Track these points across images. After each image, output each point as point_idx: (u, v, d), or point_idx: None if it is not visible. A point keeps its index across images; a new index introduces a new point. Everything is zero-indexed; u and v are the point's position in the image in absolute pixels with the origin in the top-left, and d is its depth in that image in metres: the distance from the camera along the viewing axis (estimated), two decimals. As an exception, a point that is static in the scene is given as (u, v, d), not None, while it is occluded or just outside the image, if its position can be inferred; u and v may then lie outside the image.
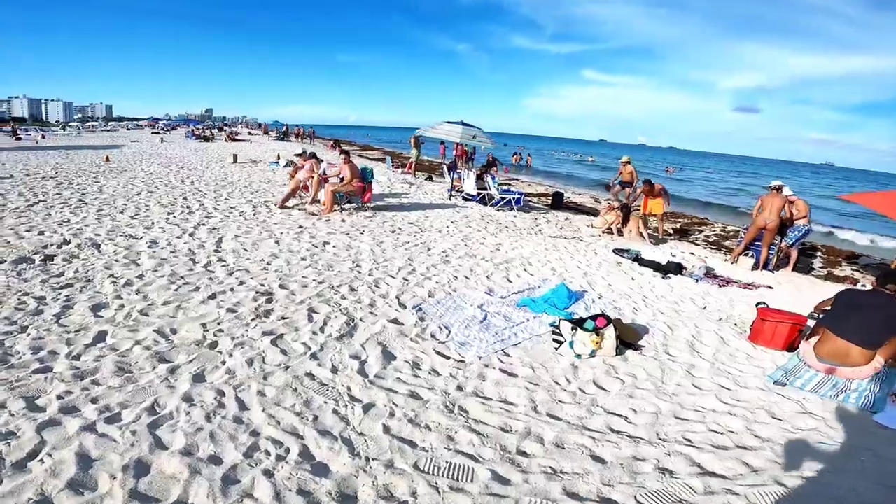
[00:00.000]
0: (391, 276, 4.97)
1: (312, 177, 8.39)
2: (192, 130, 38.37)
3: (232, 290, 4.22)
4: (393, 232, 7.07)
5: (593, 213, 12.74)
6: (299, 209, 8.05)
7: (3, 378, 2.61)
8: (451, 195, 10.85)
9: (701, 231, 12.06)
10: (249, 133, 46.37)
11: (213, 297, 4.02)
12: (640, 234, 8.65)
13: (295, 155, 8.84)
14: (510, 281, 5.31)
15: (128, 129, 55.94)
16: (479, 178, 10.65)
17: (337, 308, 4.02)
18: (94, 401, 2.49)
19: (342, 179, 8.19)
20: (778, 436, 2.78)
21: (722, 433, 2.78)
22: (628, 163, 12.18)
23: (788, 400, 3.23)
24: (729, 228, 12.52)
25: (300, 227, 6.86)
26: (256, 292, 4.20)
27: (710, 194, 26.72)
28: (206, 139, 32.89)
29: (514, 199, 10.16)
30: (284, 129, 43.22)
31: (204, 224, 6.60)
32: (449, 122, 10.29)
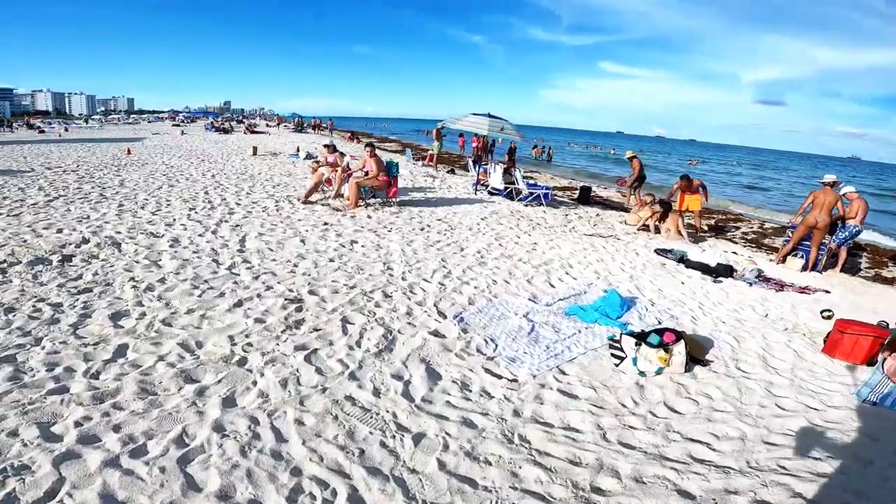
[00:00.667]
0: (426, 280, 4.64)
1: (336, 171, 8.09)
2: (212, 122, 38.47)
3: (259, 296, 3.93)
4: (422, 230, 6.73)
5: (621, 208, 12.25)
6: (322, 204, 7.76)
7: (16, 399, 2.35)
8: (476, 190, 10.46)
9: (737, 228, 11.48)
10: (267, 125, 46.41)
11: (239, 304, 3.74)
12: (679, 233, 8.17)
13: (323, 146, 8.48)
14: (553, 286, 4.94)
15: (149, 122, 56.59)
16: (507, 172, 10.24)
17: (372, 318, 3.71)
18: (116, 429, 2.22)
19: (366, 173, 7.88)
20: (881, 459, 2.41)
21: (819, 459, 2.43)
22: (634, 157, 11.71)
23: (883, 419, 2.85)
24: (767, 225, 11.92)
25: (325, 224, 6.57)
26: (285, 299, 3.91)
27: (739, 188, 25.84)
28: (226, 131, 32.92)
29: (542, 194, 9.73)
30: (296, 120, 43.15)
31: (227, 220, 6.35)
32: (475, 115, 9.87)
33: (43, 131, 31.58)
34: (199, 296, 3.84)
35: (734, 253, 7.78)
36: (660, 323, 4.18)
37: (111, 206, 6.77)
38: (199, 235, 5.55)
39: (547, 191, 10.33)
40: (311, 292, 4.11)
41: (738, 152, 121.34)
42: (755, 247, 9.04)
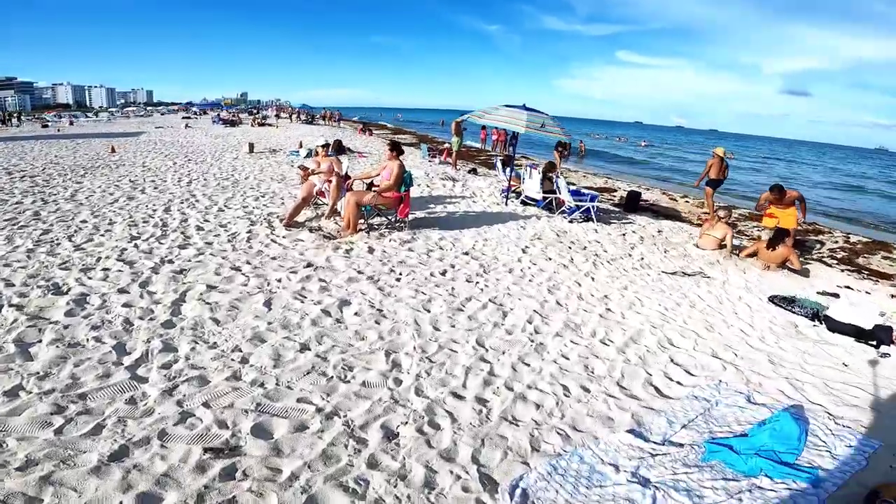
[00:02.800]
0: (455, 396, 2.77)
1: (331, 180, 6.24)
2: (219, 115, 37.07)
3: (161, 437, 2.15)
4: (443, 273, 4.82)
5: (675, 215, 10.19)
6: (312, 229, 5.93)
7: None
8: (506, 199, 8.52)
9: (821, 243, 9.28)
10: (278, 117, 44.84)
11: (119, 456, 1.97)
12: (787, 265, 6.15)
13: (318, 147, 6.58)
14: (659, 391, 3.04)
15: (162, 115, 55.68)
16: (546, 177, 8.27)
17: (360, 498, 1.89)
18: None
19: (370, 186, 6.03)
20: None
21: None
22: (722, 157, 9.54)
23: None
24: (853, 238, 9.69)
25: (309, 266, 4.72)
26: (205, 449, 2.12)
27: (804, 188, 23.30)
28: (233, 124, 31.51)
29: (592, 207, 7.76)
30: (298, 112, 41.32)
31: (171, 261, 4.57)
32: (508, 107, 7.89)
33: (46, 125, 30.55)
34: (57, 432, 2.07)
35: (847, 287, 5.78)
36: (867, 464, 2.30)
37: (32, 234, 5.07)
38: (120, 292, 3.78)
39: (594, 200, 8.34)
40: (256, 429, 2.31)
41: (761, 142, 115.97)
42: (854, 270, 6.94)
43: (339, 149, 13.80)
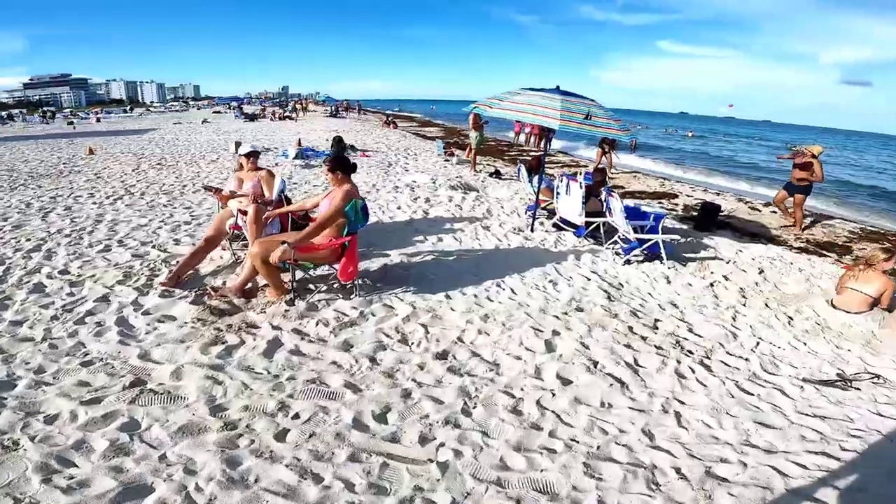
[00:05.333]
0: None
1: (247, 210, 3.96)
2: (240, 108, 36.05)
3: None
4: (383, 416, 2.44)
5: (765, 234, 7.36)
6: (211, 291, 3.68)
7: None
8: (532, 222, 5.99)
9: None
10: (305, 110, 43.46)
11: None
12: None
13: (240, 156, 4.22)
14: None
15: (198, 109, 55.69)
16: (593, 194, 5.70)
17: None
18: None
19: (303, 218, 3.70)
20: None
21: None
22: (816, 157, 6.97)
23: None
24: None
25: (133, 383, 2.52)
26: None
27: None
28: (253, 118, 30.21)
29: (659, 241, 5.13)
30: (302, 103, 39.41)
31: None
32: (533, 91, 5.34)
33: (72, 123, 30.19)
34: None
35: None
36: None
37: None
38: None
39: (659, 221, 5.70)
40: None
41: (824, 134, 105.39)
42: None
43: (339, 146, 11.63)
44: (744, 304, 4.38)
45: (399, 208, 6.56)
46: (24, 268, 4.08)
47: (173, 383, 2.64)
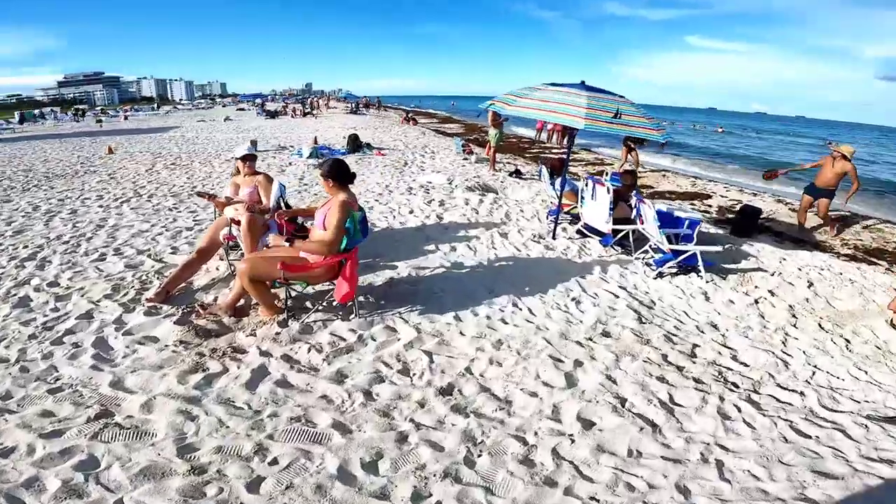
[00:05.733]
0: None
1: (240, 220, 3.66)
2: (263, 106, 36.34)
3: None
4: (372, 465, 2.10)
5: (807, 240, 6.71)
6: (200, 308, 3.39)
7: None
8: (554, 228, 5.54)
9: None
10: (327, 107, 43.57)
11: None
12: None
13: (236, 160, 3.90)
14: None
15: (223, 107, 56.61)
16: (622, 199, 5.21)
17: None
18: None
19: (301, 230, 3.37)
20: None
21: None
22: (848, 158, 6.35)
23: None
24: None
25: (99, 414, 2.26)
26: None
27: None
28: (274, 115, 30.38)
29: (694, 251, 4.61)
30: (317, 101, 39.30)
31: None
32: (555, 86, 4.87)
33: (100, 121, 30.91)
34: None
35: None
36: None
37: None
38: None
39: (693, 228, 5.18)
40: None
41: (852, 129, 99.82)
42: None
43: (354, 144, 11.34)
44: (794, 325, 3.88)
45: (411, 212, 6.20)
46: (15, 278, 3.88)
47: (142, 416, 2.36)
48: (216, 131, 19.18)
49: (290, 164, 10.03)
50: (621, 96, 4.74)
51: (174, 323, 3.15)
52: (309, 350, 2.96)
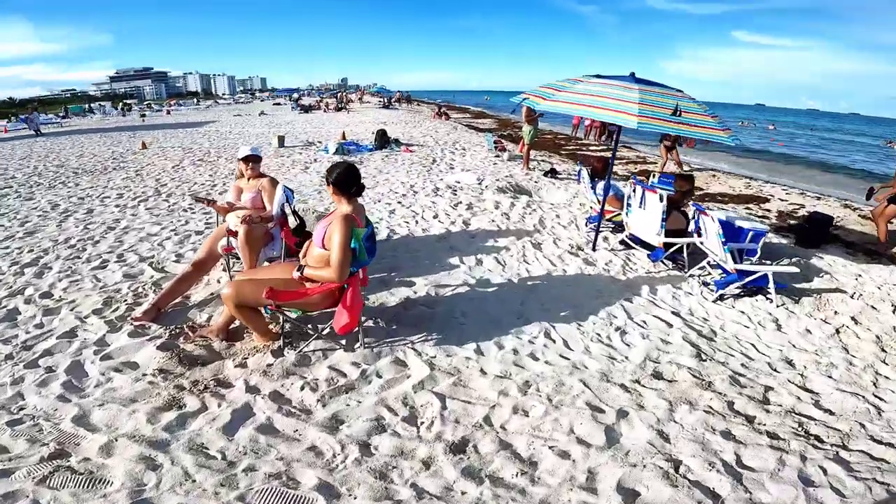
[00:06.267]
0: None
1: (237, 231, 3.26)
2: (297, 101, 36.71)
3: None
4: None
5: (886, 253, 5.79)
6: (188, 331, 3.03)
7: None
8: (595, 239, 4.92)
9: None
10: (361, 101, 43.63)
11: None
12: None
13: (238, 160, 3.50)
14: None
15: (261, 101, 57.78)
16: (676, 207, 4.54)
17: None
18: None
19: (302, 242, 2.92)
20: None
21: None
22: None
23: None
24: None
25: (53, 456, 1.90)
26: None
27: None
28: (308, 110, 30.52)
29: (772, 275, 3.89)
30: (346, 95, 39.28)
31: None
32: (600, 78, 4.24)
33: (144, 115, 31.97)
34: None
35: None
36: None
37: None
38: None
39: (758, 240, 4.46)
40: None
41: None
42: None
43: (382, 140, 10.94)
44: (884, 361, 3.17)
45: (436, 217, 5.71)
46: (10, 287, 3.66)
47: (100, 460, 2.02)
48: (249, 126, 19.29)
49: (315, 160, 9.74)
50: (679, 90, 4.07)
51: (157, 348, 2.78)
52: (303, 387, 2.52)
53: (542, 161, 10.93)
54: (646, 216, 4.48)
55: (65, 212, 5.81)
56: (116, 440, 2.12)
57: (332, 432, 2.24)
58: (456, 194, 6.87)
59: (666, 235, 4.31)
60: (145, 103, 59.45)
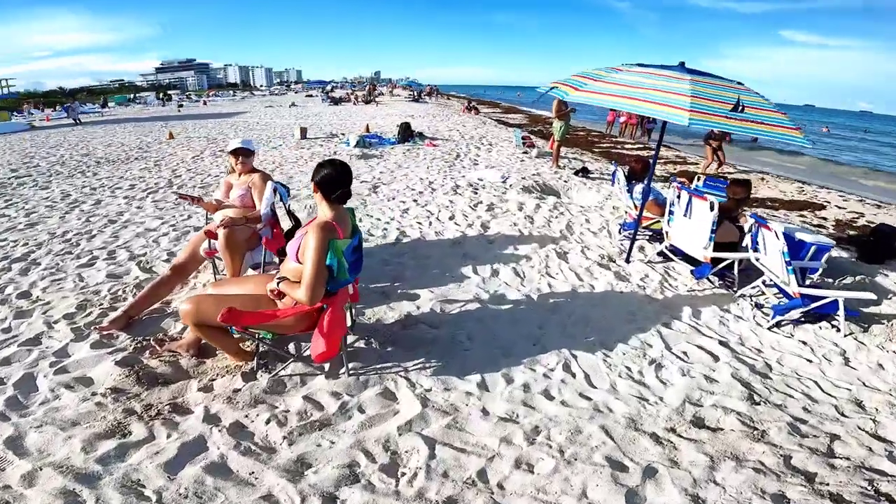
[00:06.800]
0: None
1: (216, 232, 2.91)
2: (328, 94, 36.84)
3: None
4: None
5: None
6: (156, 344, 2.71)
7: None
8: (630, 249, 4.35)
9: None
10: (391, 94, 43.48)
11: None
12: None
13: (228, 153, 3.13)
14: None
15: (295, 93, 58.52)
16: (728, 216, 3.94)
17: None
18: None
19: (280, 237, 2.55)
20: None
21: None
22: None
23: None
24: None
25: (18, 496, 1.59)
26: None
27: None
28: (337, 102, 30.51)
29: (842, 301, 3.26)
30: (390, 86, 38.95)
31: None
32: (644, 67, 3.69)
33: (181, 105, 32.70)
34: None
35: None
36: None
37: None
38: None
39: (821, 256, 3.81)
40: None
41: None
42: None
43: (405, 133, 10.54)
44: None
45: (451, 218, 5.25)
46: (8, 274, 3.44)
47: (19, 490, 1.74)
48: (277, 117, 19.27)
49: (335, 153, 9.43)
50: (739, 83, 3.46)
51: (115, 363, 2.45)
52: (269, 420, 2.14)
53: (574, 159, 10.29)
54: (691, 226, 3.89)
55: (73, 202, 5.67)
56: (41, 469, 1.81)
57: (294, 479, 1.84)
58: (477, 193, 6.39)
59: (715, 249, 3.72)
60: (186, 94, 61.15)
